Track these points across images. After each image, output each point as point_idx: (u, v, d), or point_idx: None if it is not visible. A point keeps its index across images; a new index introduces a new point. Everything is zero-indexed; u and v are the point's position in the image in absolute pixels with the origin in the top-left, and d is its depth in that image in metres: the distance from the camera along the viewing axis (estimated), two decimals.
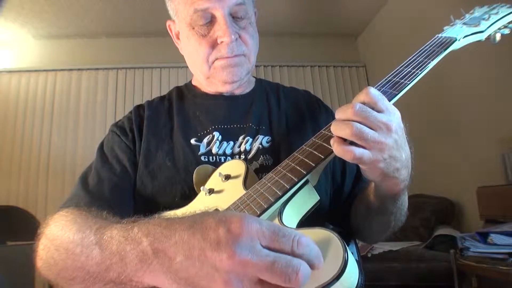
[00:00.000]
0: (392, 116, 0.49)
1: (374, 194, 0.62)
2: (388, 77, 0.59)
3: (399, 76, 0.59)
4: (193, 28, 0.71)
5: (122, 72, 3.44)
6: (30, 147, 3.17)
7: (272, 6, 3.01)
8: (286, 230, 0.35)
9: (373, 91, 0.49)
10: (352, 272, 0.38)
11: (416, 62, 0.61)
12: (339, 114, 0.49)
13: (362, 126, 0.46)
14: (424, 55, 0.63)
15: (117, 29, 3.38)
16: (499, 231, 1.61)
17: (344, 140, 0.48)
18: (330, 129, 0.54)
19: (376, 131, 0.47)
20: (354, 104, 0.47)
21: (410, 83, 0.57)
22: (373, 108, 0.48)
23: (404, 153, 0.51)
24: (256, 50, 0.76)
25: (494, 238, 1.59)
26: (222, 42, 0.69)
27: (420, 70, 0.59)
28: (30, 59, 3.38)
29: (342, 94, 3.65)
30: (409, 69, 0.60)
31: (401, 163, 0.51)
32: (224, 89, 0.77)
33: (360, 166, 0.51)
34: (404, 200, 0.63)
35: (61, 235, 0.49)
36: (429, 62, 0.61)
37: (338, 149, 0.47)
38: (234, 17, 0.70)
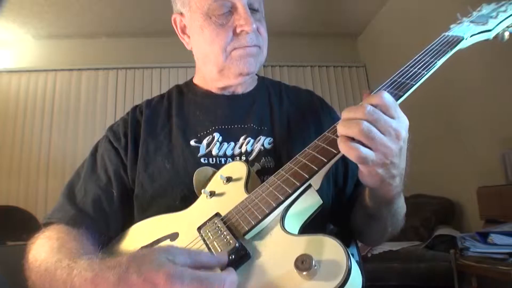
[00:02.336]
0: (402, 124, 0.49)
1: (370, 199, 0.62)
2: (393, 78, 0.58)
3: (405, 76, 0.57)
4: (210, 18, 0.70)
5: (122, 72, 3.44)
6: (30, 147, 3.17)
7: (272, 6, 3.00)
8: (210, 280, 0.38)
9: (387, 96, 0.49)
10: (355, 279, 0.37)
11: (422, 62, 0.60)
12: (348, 113, 0.48)
13: (371, 125, 0.46)
14: (430, 54, 0.61)
15: (117, 29, 3.38)
16: (499, 231, 1.61)
17: (351, 140, 0.47)
18: (333, 131, 0.54)
19: (384, 135, 0.46)
20: (365, 104, 0.47)
21: (415, 84, 0.55)
22: (384, 113, 0.47)
23: (402, 162, 0.51)
24: (267, 45, 0.76)
25: (494, 238, 1.59)
26: (242, 31, 0.69)
27: (426, 71, 0.57)
28: (30, 59, 3.38)
29: (342, 94, 3.65)
30: (415, 69, 0.58)
31: (398, 170, 0.51)
32: (237, 81, 0.75)
33: (360, 168, 0.51)
34: (399, 207, 0.62)
35: (37, 259, 0.54)
36: (436, 62, 0.59)
37: (343, 147, 0.47)
38: (250, 9, 0.70)
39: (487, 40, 0.69)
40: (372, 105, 0.47)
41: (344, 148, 0.47)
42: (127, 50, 3.50)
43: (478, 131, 2.25)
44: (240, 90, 0.79)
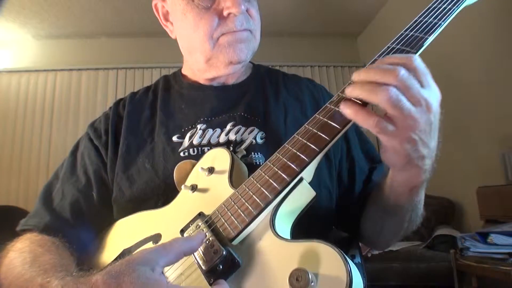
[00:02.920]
0: (434, 94, 0.42)
1: (390, 187, 0.54)
2: (391, 45, 0.50)
3: (403, 43, 0.49)
4: (193, 1, 0.62)
5: (122, 72, 3.43)
6: (30, 147, 3.17)
7: (272, 6, 3.00)
8: None
9: (420, 62, 0.41)
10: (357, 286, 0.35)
11: (423, 24, 0.51)
12: (372, 74, 0.41)
13: (400, 93, 0.39)
14: (433, 14, 0.52)
15: (117, 29, 3.38)
16: (499, 231, 1.61)
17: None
18: (324, 113, 0.48)
19: (414, 106, 0.40)
20: (398, 68, 0.39)
21: (417, 52, 0.47)
22: (417, 80, 0.40)
23: (433, 141, 0.44)
24: (260, 28, 0.68)
25: (494, 238, 1.59)
26: (229, 14, 0.61)
27: (429, 34, 0.48)
28: (30, 59, 3.38)
29: None
30: (416, 33, 0.49)
31: (428, 151, 0.44)
32: (227, 71, 0.68)
33: (382, 142, 0.44)
34: (422, 198, 0.55)
35: (8, 276, 0.50)
36: (440, 24, 0.50)
37: (359, 115, 0.40)
38: None
39: None
40: (405, 67, 0.40)
41: (360, 117, 0.40)
42: (127, 50, 3.49)
43: (478, 131, 2.24)
44: (230, 81, 0.72)
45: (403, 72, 0.39)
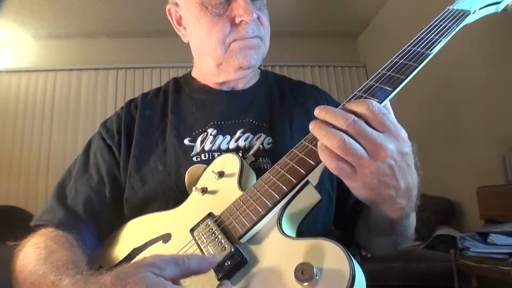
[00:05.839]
0: (393, 137, 0.42)
1: (368, 215, 0.57)
2: (394, 59, 0.53)
3: (407, 57, 0.52)
4: (206, 8, 0.65)
5: (122, 72, 3.44)
6: (30, 147, 3.17)
7: (272, 6, 3.00)
8: None
9: (376, 107, 0.42)
10: (360, 284, 0.36)
11: (425, 40, 0.54)
12: (328, 116, 0.43)
13: (351, 141, 0.40)
14: (434, 31, 0.56)
15: (117, 29, 3.38)
16: (499, 231, 1.61)
17: None
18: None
19: (366, 151, 0.41)
20: (348, 115, 0.41)
21: (419, 65, 0.50)
22: (369, 125, 0.42)
23: (403, 181, 0.44)
24: (269, 34, 0.71)
25: (494, 238, 1.60)
26: (241, 21, 0.64)
27: (430, 50, 0.52)
28: (30, 59, 3.38)
29: (342, 94, 3.65)
30: (418, 48, 0.53)
31: (397, 191, 0.45)
32: (237, 76, 0.70)
33: (346, 184, 0.46)
34: (407, 225, 0.56)
35: (23, 270, 0.52)
36: (440, 40, 0.53)
37: (321, 152, 0.42)
38: None
39: (494, 13, 0.64)
40: (356, 114, 0.42)
41: (323, 156, 0.42)
42: (127, 50, 3.49)
43: (478, 131, 2.24)
44: (240, 86, 0.74)
45: (351, 119, 0.41)
